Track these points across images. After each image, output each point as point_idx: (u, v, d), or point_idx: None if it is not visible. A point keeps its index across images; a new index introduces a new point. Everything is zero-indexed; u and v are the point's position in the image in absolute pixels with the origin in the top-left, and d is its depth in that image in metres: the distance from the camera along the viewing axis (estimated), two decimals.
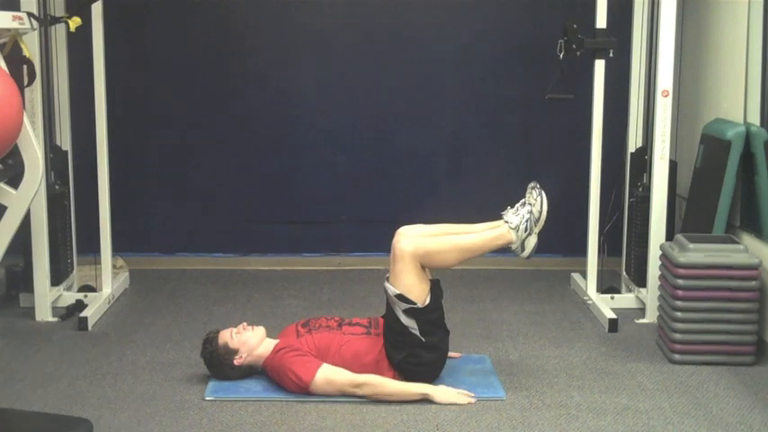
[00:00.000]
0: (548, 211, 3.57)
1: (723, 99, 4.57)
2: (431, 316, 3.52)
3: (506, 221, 3.60)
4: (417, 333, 3.50)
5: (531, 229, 3.56)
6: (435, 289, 3.58)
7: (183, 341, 4.13)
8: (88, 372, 3.75)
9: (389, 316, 3.55)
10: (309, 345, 3.55)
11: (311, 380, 3.42)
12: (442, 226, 3.74)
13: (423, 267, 3.51)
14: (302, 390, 3.44)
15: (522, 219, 3.56)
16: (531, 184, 3.75)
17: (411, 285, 3.47)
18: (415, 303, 3.47)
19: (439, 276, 3.68)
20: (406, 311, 3.48)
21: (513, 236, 3.56)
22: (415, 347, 3.51)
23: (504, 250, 3.80)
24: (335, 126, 5.46)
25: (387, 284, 3.52)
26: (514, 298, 4.87)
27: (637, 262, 4.66)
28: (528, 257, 3.62)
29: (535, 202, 3.58)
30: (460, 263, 3.67)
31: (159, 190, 5.51)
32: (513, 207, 3.74)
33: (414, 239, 3.52)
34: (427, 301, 3.50)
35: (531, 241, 3.58)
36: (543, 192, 3.60)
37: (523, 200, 3.71)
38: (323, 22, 5.38)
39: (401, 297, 3.47)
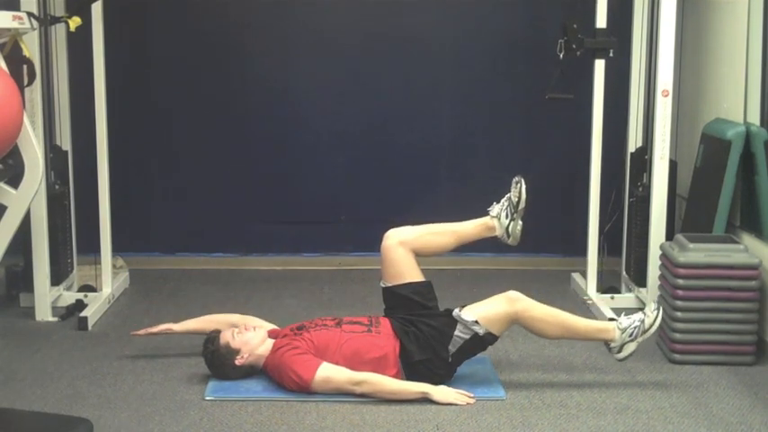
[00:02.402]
0: (659, 323, 3.56)
1: (723, 99, 4.57)
2: (485, 344, 3.55)
3: (616, 320, 3.61)
4: (453, 350, 3.50)
5: (636, 336, 3.56)
6: (431, 293, 3.58)
7: (183, 341, 4.12)
8: (88, 372, 3.75)
9: (438, 316, 3.56)
10: (309, 343, 3.54)
11: (311, 378, 3.42)
12: (429, 226, 3.75)
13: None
14: (302, 388, 3.44)
15: (632, 324, 3.56)
16: (516, 179, 3.76)
17: (497, 328, 3.52)
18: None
19: (438, 276, 3.68)
20: (471, 337, 3.51)
21: (616, 335, 3.56)
22: (438, 359, 3.51)
23: (501, 246, 3.84)
24: (335, 126, 5.46)
25: (465, 317, 3.51)
26: None
27: (637, 262, 4.65)
28: (621, 360, 3.62)
29: (651, 314, 3.56)
30: (554, 338, 3.73)
31: (159, 190, 5.50)
32: (498, 202, 3.75)
33: (526, 302, 3.52)
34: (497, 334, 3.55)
35: (631, 347, 3.58)
36: (662, 309, 3.59)
37: (508, 194, 3.74)
38: (323, 22, 5.38)
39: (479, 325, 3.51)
